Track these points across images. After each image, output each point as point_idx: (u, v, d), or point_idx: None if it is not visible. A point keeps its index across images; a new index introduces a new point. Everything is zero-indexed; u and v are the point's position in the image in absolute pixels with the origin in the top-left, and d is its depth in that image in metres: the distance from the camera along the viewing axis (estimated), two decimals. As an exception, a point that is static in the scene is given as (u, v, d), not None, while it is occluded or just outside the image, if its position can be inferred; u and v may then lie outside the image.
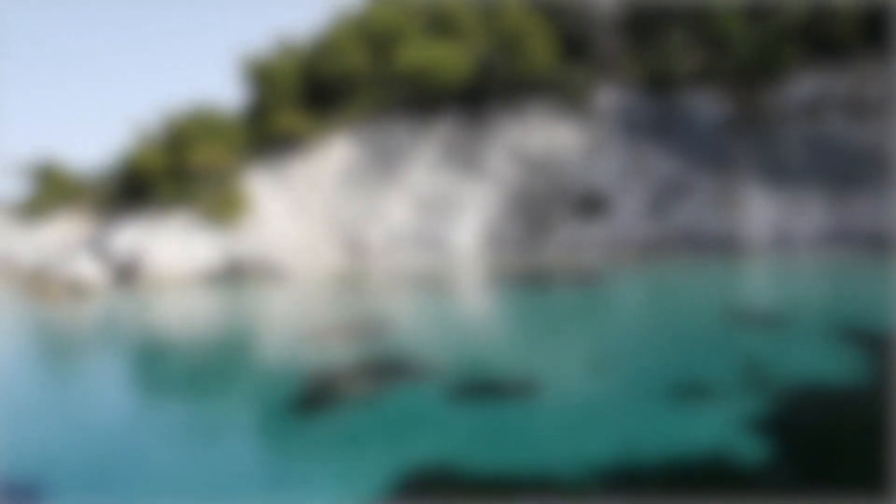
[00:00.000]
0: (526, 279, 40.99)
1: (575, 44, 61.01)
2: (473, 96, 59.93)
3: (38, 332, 30.95)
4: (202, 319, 32.20)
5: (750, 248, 52.15)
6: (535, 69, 58.23)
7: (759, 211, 53.49)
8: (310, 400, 18.10)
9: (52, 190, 63.54)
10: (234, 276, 47.71)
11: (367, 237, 58.36)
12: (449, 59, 57.89)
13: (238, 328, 29.55)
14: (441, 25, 60.85)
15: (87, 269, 42.19)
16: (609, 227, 56.46)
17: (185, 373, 21.83)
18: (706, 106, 57.34)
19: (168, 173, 53.23)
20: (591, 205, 57.47)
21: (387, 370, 20.73)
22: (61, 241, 57.88)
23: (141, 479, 13.34)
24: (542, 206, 58.34)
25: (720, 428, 14.50)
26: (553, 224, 57.73)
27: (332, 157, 60.18)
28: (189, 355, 24.23)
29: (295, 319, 31.56)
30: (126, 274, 44.91)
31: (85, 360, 24.44)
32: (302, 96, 61.05)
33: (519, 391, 17.81)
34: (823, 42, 55.10)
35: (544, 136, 59.19)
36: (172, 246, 46.00)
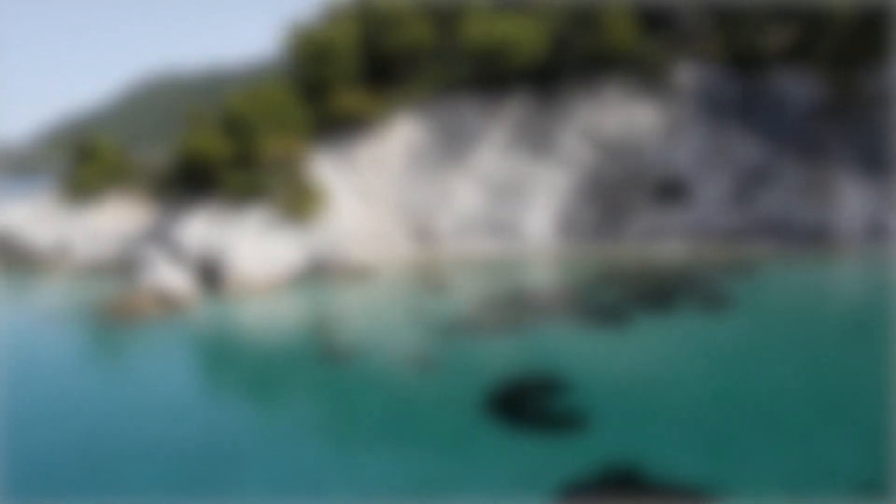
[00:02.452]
0: (645, 292, 39.07)
1: (654, 17, 57.39)
2: (546, 73, 56.68)
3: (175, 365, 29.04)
4: (337, 333, 29.70)
5: (841, 240, 50.22)
6: (614, 45, 54.87)
7: (852, 201, 51.29)
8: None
9: (97, 169, 60.61)
10: (317, 276, 45.73)
11: (437, 224, 56.14)
12: (522, 35, 54.42)
13: (402, 344, 27.15)
14: (510, -5, 57.10)
15: (172, 277, 40.07)
16: (690, 215, 54.29)
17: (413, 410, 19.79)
18: (796, 87, 54.32)
19: (232, 161, 50.41)
20: (670, 191, 55.13)
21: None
22: (117, 228, 55.44)
23: None
24: (618, 191, 55.99)
25: None
26: (630, 211, 55.52)
27: (398, 139, 57.35)
28: (383, 387, 22.01)
29: (443, 319, 29.54)
30: (209, 279, 42.86)
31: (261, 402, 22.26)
32: (361, 73, 57.63)
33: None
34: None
35: (621, 117, 56.31)
36: (253, 246, 43.80)
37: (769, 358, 26.94)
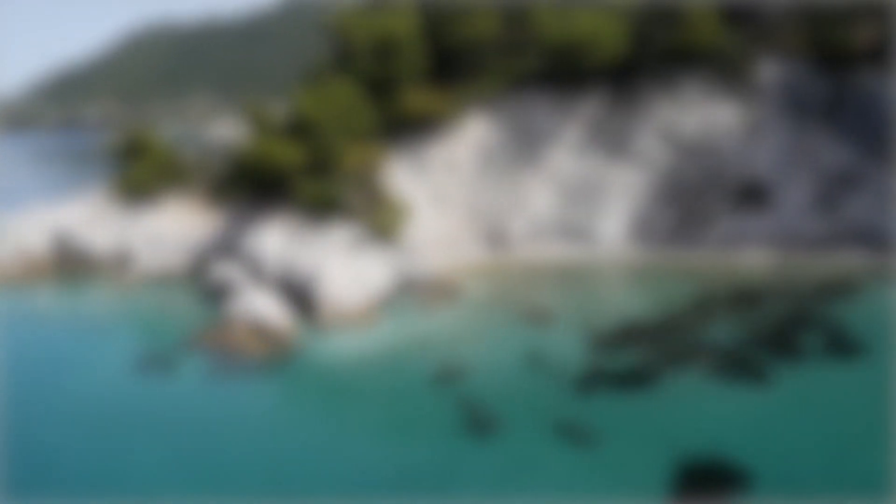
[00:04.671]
0: (759, 326, 37.73)
1: (736, 9, 54.58)
2: (624, 70, 54.17)
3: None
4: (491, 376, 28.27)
5: (932, 251, 48.93)
6: (697, 40, 52.32)
7: (945, 210, 49.77)
8: None
9: (149, 166, 58.24)
10: (404, 296, 44.31)
11: (509, 228, 54.51)
12: (603, 31, 51.75)
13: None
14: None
15: (267, 306, 38.57)
16: (771, 221, 52.78)
17: None
18: (886, 85, 52.08)
19: (305, 169, 48.26)
20: (750, 195, 53.46)
21: None
22: (180, 234, 53.48)
23: None
24: (696, 194, 54.28)
25: None
26: (708, 215, 53.93)
27: (469, 139, 55.15)
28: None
29: (562, 365, 26.84)
30: (299, 304, 41.36)
31: None
32: (426, 69, 54.90)
33: None
34: None
35: (700, 116, 54.16)
36: (342, 266, 42.18)
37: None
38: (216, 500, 19.91)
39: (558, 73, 54.54)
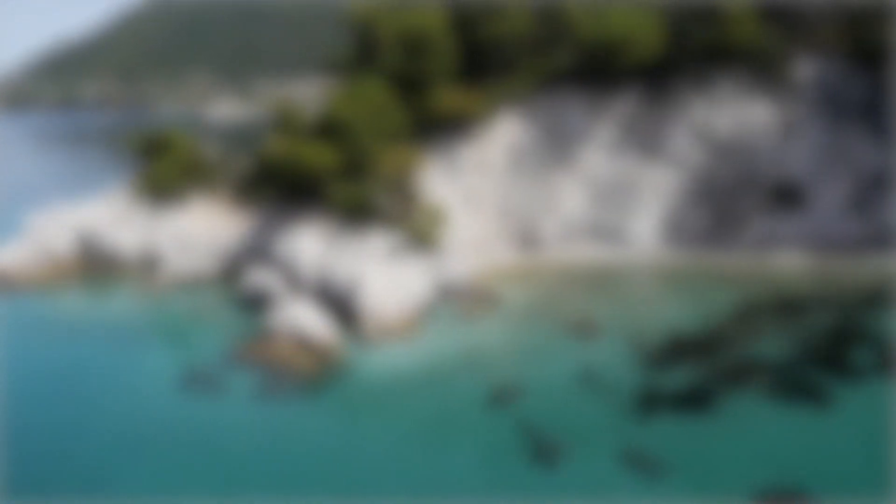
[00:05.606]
0: (809, 340, 37.36)
1: (772, 5, 53.51)
2: (658, 69, 53.24)
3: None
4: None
5: (969, 255, 48.62)
6: (735, 38, 51.37)
7: (983, 213, 49.37)
8: None
9: (172, 163, 57.30)
10: (444, 306, 43.85)
11: (541, 229, 53.96)
12: (640, 29, 50.75)
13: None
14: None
15: (311, 319, 38.07)
16: (806, 223, 52.34)
17: None
18: (926, 87, 51.34)
19: (338, 172, 47.46)
20: (785, 195, 52.93)
21: None
22: (208, 236, 52.76)
23: None
24: (730, 195, 53.70)
25: None
26: (742, 216, 53.43)
27: (500, 139, 54.34)
28: None
29: (615, 385, 26.34)
30: (340, 314, 40.87)
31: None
32: (457, 66, 53.85)
33: None
34: None
35: (734, 115, 53.39)
36: (383, 274, 41.65)
37: None
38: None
39: (591, 71, 53.60)
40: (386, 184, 46.98)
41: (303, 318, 38.06)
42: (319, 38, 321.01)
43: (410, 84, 52.54)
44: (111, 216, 56.10)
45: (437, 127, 53.14)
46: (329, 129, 48.90)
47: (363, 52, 57.16)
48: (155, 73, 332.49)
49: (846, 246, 51.11)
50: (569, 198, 54.34)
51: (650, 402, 31.27)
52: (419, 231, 44.56)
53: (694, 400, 31.36)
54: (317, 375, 34.96)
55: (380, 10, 55.62)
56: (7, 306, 47.80)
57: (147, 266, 53.13)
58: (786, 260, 51.21)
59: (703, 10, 51.96)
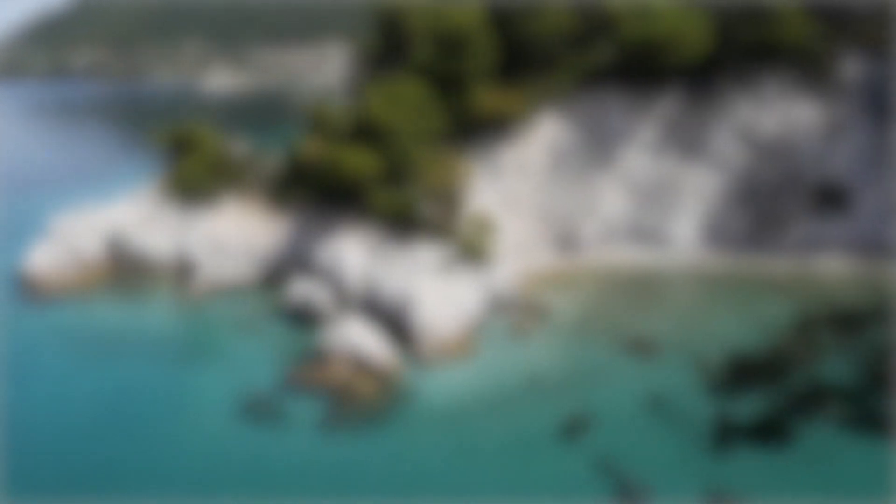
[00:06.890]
0: (871, 364, 36.95)
1: (818, 5, 52.04)
2: (702, 68, 51.91)
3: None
4: None
5: None
6: (783, 37, 50.06)
7: None
8: None
9: (200, 162, 55.78)
10: (495, 320, 43.14)
11: (581, 231, 53.13)
12: (685, 28, 49.31)
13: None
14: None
15: (368, 339, 37.26)
16: (851, 226, 51.74)
17: None
18: (976, 88, 50.36)
19: (378, 177, 46.22)
20: (829, 197, 52.19)
21: None
22: (243, 240, 51.51)
23: None
24: (773, 196, 52.92)
25: None
26: (785, 219, 52.73)
27: (540, 139, 53.11)
28: None
29: (688, 413, 25.99)
30: (395, 330, 40.06)
31: None
32: (495, 66, 52.29)
33: None
34: None
35: (779, 115, 52.32)
36: (436, 289, 40.79)
37: None
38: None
39: (634, 70, 52.23)
40: (431, 191, 45.86)
41: (359, 337, 37.26)
42: (314, 4, 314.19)
43: (447, 83, 51.05)
44: (140, 217, 54.78)
45: (475, 128, 51.81)
46: (366, 132, 47.48)
47: (390, 46, 55.54)
48: (147, 42, 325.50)
49: (890, 249, 50.58)
50: (609, 199, 53.42)
51: (726, 434, 30.88)
52: (469, 242, 43.61)
53: (770, 431, 30.99)
54: (379, 402, 34.34)
55: (410, 4, 53.81)
56: (38, 319, 46.28)
57: (181, 271, 52.00)
58: (830, 264, 50.71)
59: (750, 8, 50.49)
